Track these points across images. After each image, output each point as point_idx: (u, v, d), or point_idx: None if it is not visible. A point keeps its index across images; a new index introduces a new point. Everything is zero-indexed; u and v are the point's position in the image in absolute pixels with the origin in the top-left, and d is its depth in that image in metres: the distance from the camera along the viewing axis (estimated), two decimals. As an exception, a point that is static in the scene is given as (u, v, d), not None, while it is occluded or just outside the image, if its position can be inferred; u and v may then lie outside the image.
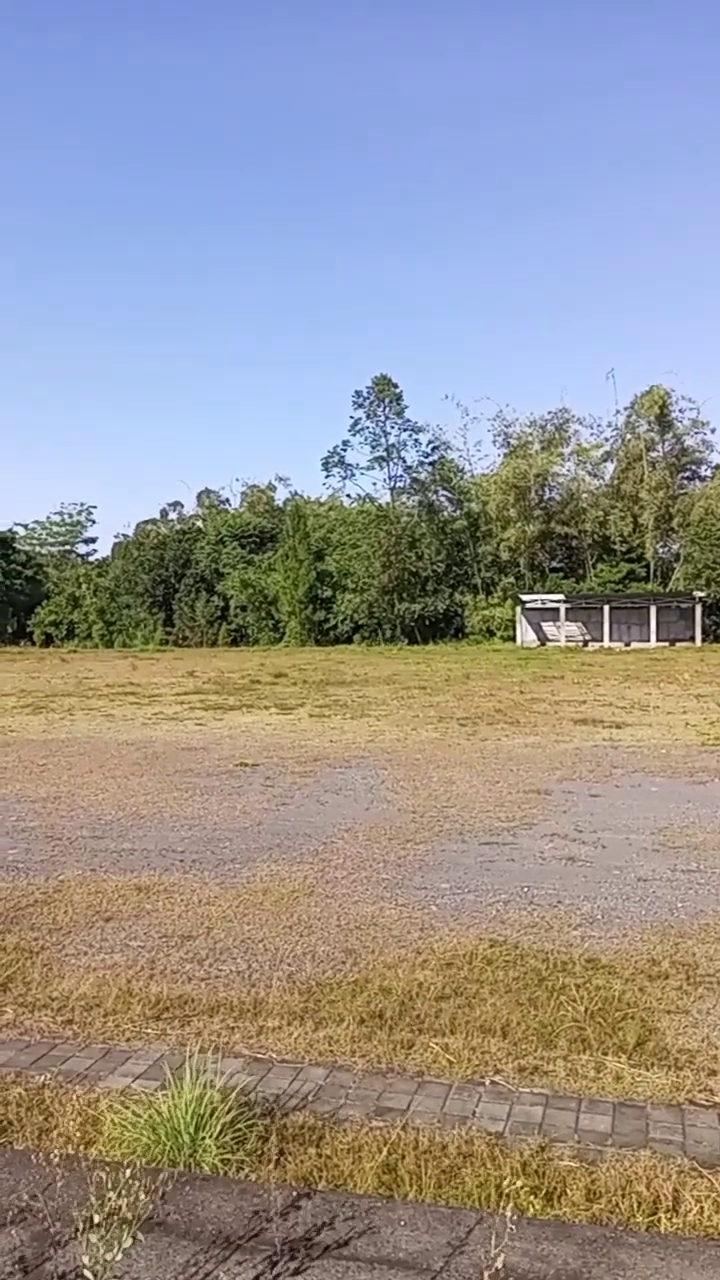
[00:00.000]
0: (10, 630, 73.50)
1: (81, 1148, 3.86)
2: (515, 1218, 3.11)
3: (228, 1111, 3.83)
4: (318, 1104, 4.27)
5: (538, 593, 60.55)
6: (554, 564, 66.47)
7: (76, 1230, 3.07)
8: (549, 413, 66.42)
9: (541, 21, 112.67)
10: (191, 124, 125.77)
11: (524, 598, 59.69)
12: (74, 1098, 4.32)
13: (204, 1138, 3.72)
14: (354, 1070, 4.60)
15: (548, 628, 59.34)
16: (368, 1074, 4.56)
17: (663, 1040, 4.84)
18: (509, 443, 67.27)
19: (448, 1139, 3.93)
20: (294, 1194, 3.44)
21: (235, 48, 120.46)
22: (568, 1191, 3.54)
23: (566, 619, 57.68)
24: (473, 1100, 4.31)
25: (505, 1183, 3.52)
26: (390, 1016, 5.16)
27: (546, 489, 65.05)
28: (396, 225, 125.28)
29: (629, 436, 66.00)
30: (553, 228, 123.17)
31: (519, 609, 60.06)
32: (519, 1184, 3.32)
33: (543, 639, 58.89)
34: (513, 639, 59.77)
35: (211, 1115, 3.78)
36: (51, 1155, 3.46)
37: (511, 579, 63.88)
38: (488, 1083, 4.47)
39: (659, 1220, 3.37)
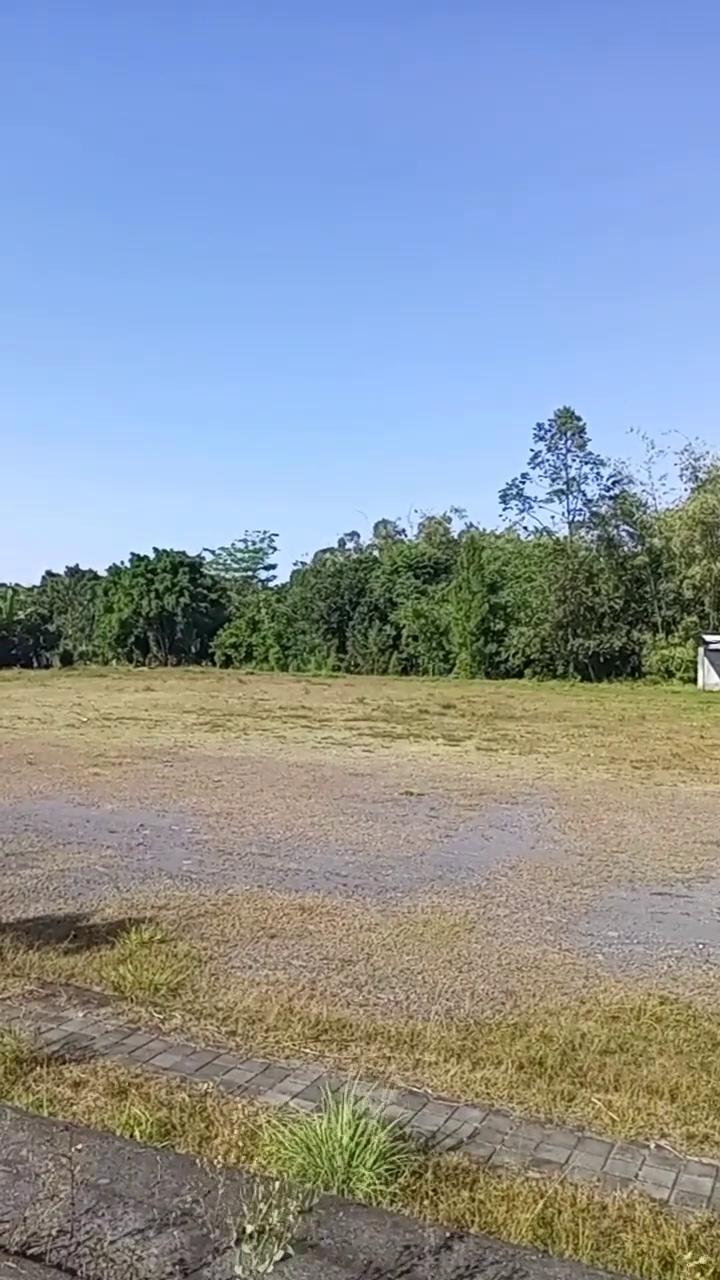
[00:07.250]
0: (194, 650, 77.18)
1: (239, 1159, 3.95)
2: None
3: (383, 1141, 3.83)
4: (472, 1146, 4.20)
5: (723, 633, 57.62)
6: (743, 604, 63.04)
7: (234, 1239, 3.15)
8: (743, 445, 63.54)
9: None
10: (393, 169, 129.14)
11: (708, 638, 56.97)
12: (234, 1109, 4.44)
13: (359, 1165, 3.73)
14: (511, 1116, 4.50)
15: (732, 670, 56.23)
16: (525, 1122, 4.45)
17: None
18: (697, 477, 64.68)
19: (607, 1200, 3.77)
20: (447, 1234, 3.39)
21: (447, 87, 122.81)
22: (738, 1275, 3.31)
23: (754, 662, 54.57)
24: (636, 1162, 4.12)
25: (671, 1254, 3.34)
26: (551, 1065, 5.01)
27: (736, 525, 61.89)
28: (590, 261, 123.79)
29: None
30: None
31: (702, 649, 57.33)
32: (701, 1260, 3.12)
33: (726, 682, 55.85)
34: (694, 681, 57.07)
35: (367, 1143, 3.79)
36: (211, 1163, 3.56)
37: (695, 618, 61.12)
38: (653, 1146, 4.26)
39: None
